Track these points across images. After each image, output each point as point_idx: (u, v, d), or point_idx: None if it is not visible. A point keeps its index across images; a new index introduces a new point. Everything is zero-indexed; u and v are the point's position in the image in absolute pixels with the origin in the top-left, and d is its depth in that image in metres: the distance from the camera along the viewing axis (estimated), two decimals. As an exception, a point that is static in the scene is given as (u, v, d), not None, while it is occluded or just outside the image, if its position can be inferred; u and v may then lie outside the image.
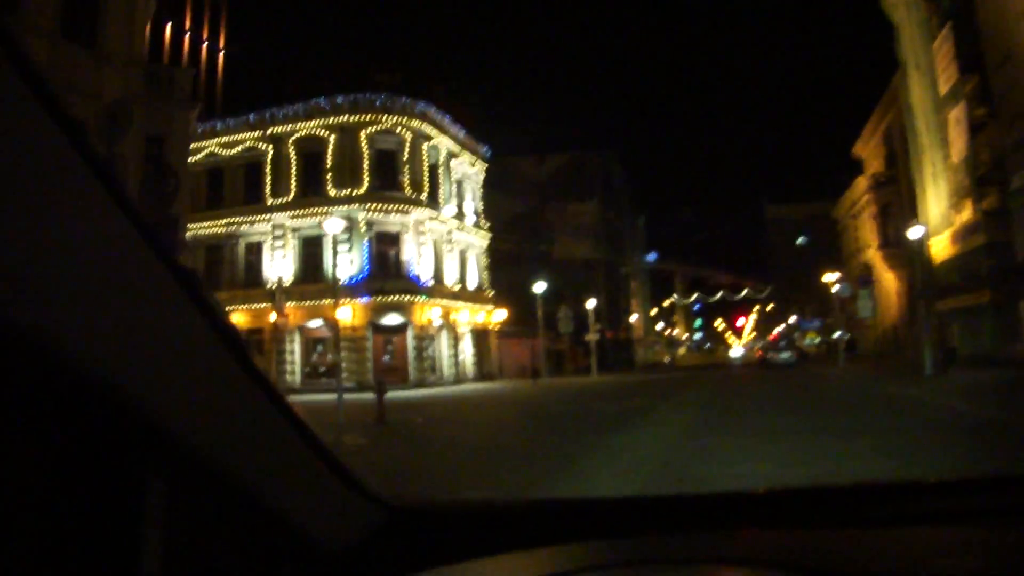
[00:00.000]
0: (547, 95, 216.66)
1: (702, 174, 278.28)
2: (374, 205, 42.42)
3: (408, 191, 43.17)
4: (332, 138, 43.25)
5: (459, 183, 50.03)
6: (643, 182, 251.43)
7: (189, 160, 47.16)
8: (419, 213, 43.40)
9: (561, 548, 1.42)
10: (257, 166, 45.48)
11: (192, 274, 0.95)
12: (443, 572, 1.32)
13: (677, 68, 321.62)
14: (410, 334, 42.43)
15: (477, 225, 51.83)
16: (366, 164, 42.80)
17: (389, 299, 41.53)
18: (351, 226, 42.37)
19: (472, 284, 50.53)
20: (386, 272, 42.56)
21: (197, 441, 0.99)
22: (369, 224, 42.41)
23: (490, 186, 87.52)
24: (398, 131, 43.49)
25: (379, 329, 42.15)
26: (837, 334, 61.14)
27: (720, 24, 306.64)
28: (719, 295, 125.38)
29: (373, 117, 43.11)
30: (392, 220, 42.88)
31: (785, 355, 59.80)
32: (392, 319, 42.09)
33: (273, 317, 41.86)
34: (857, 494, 1.70)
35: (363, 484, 1.39)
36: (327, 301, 41.21)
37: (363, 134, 42.92)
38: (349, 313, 41.18)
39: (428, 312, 42.88)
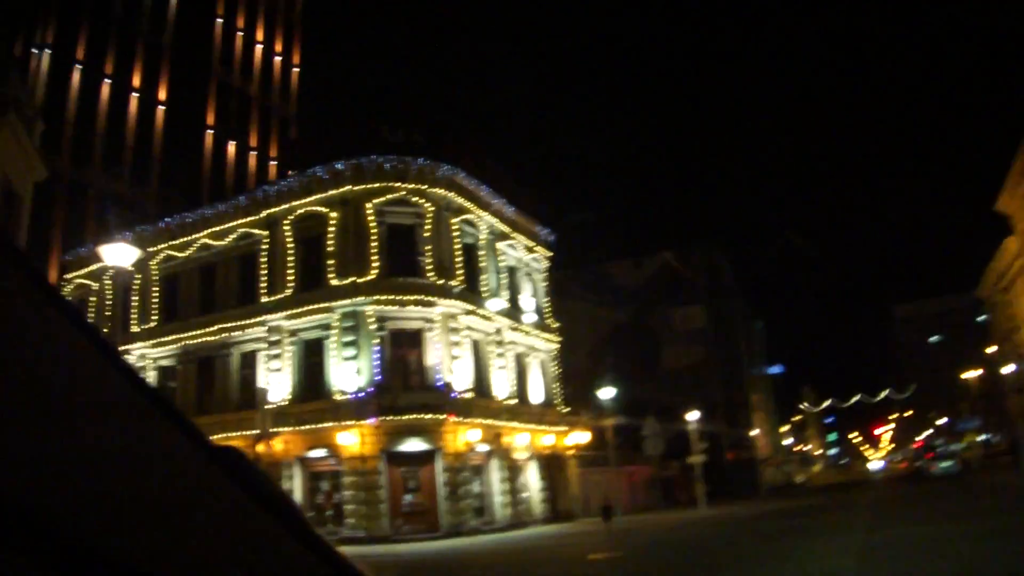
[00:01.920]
0: (633, 183, 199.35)
1: (820, 272, 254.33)
2: (385, 296, 31.78)
3: (432, 276, 32.49)
4: (333, 215, 33.18)
5: (511, 272, 39.07)
6: (756, 282, 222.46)
7: (180, 257, 40.50)
8: (449, 305, 32.50)
9: None
10: (251, 258, 35.73)
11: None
12: None
13: (786, 151, 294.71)
14: (440, 465, 30.82)
15: (541, 325, 40.38)
16: (374, 244, 32.45)
17: (405, 419, 30.26)
18: (356, 324, 31.78)
19: (537, 398, 38.79)
20: (404, 383, 31.47)
21: None
22: (380, 320, 31.60)
23: (581, 297, 76.79)
24: (415, 201, 33.18)
25: (396, 459, 30.68)
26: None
27: (826, 108, 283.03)
28: (855, 399, 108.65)
29: (381, 186, 32.93)
30: (410, 314, 31.98)
31: (946, 464, 50.06)
32: (413, 445, 30.65)
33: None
34: None
35: None
36: (329, 424, 30.48)
37: (369, 207, 32.68)
38: (355, 439, 30.14)
39: (465, 435, 31.34)
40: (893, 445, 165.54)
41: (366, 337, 31.36)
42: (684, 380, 73.82)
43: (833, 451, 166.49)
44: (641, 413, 44.95)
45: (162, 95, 60.95)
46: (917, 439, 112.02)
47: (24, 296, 0.86)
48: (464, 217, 35.10)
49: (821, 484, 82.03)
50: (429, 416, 30.27)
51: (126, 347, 38.77)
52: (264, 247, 35.14)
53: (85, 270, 42.56)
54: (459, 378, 32.03)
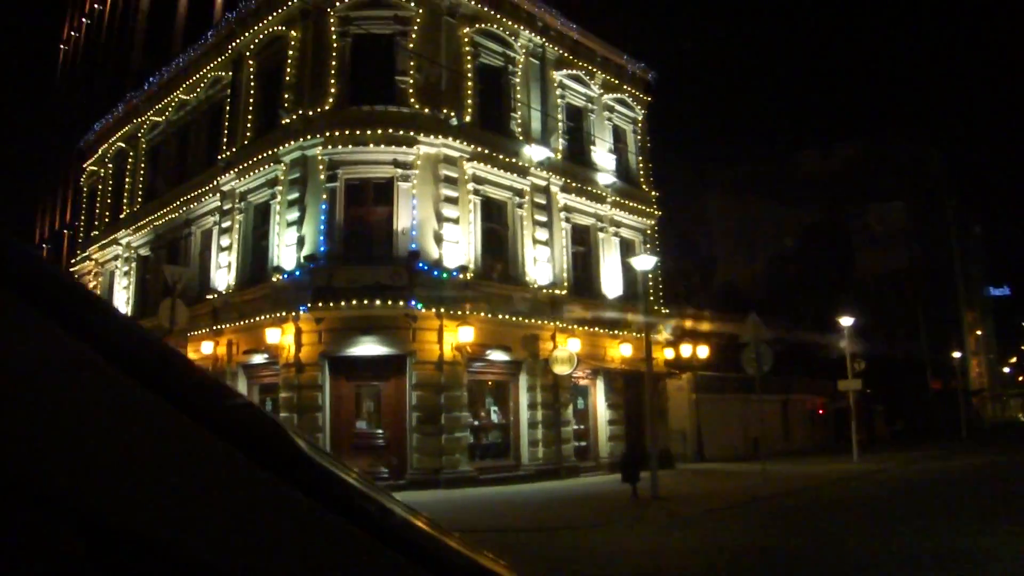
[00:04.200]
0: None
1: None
2: (340, 132, 20.91)
3: (414, 104, 21.23)
4: (294, 35, 22.42)
5: (578, 115, 26.72)
6: (976, 178, 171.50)
7: (161, 122, 28.65)
8: (440, 145, 21.14)
9: None
10: (219, 109, 25.91)
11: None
12: None
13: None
14: (411, 379, 19.93)
15: (627, 192, 27.87)
16: (334, 63, 21.51)
17: (355, 309, 19.49)
18: (304, 175, 21.16)
19: (614, 291, 26.59)
20: (363, 256, 20.59)
21: None
22: (332, 167, 20.79)
23: (765, 194, 62.29)
24: (395, 1, 21.81)
25: (345, 368, 19.96)
26: None
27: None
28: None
29: (346, -16, 21.69)
30: (378, 157, 20.84)
31: None
32: (370, 347, 19.82)
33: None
34: None
35: None
36: (264, 317, 20.37)
37: (331, 13, 21.70)
38: (288, 337, 19.81)
39: (457, 335, 20.21)
40: None
41: (314, 192, 20.69)
42: (881, 292, 58.78)
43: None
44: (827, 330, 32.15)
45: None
46: None
47: None
48: (481, 27, 23.27)
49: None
50: (389, 305, 19.27)
51: (114, 237, 30.78)
52: (228, 93, 25.29)
53: (94, 156, 35.01)
54: (454, 252, 20.72)
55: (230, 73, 25.18)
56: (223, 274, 23.36)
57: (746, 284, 51.42)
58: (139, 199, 30.12)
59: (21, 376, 0.62)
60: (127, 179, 31.29)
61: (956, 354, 46.90)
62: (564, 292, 23.67)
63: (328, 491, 0.76)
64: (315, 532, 0.73)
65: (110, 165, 33.05)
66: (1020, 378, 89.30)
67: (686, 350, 30.68)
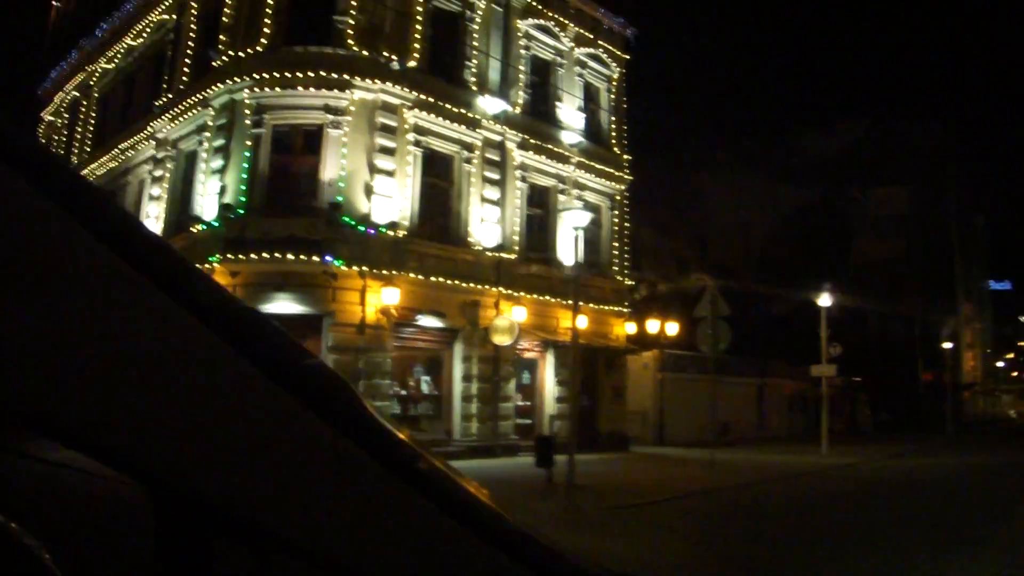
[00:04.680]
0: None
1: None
2: (270, 74, 19.13)
3: (352, 46, 19.44)
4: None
5: (544, 68, 24.79)
6: (982, 166, 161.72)
7: (111, 70, 27.03)
8: (377, 90, 19.26)
9: None
10: (161, 55, 24.22)
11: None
12: None
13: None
14: (326, 340, 18.34)
15: (595, 154, 26.00)
16: (271, 2, 19.72)
17: (267, 263, 17.87)
18: (231, 120, 19.46)
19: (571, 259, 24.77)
20: (284, 206, 18.92)
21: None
22: (259, 111, 19.09)
23: (764, 173, 60.01)
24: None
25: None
26: None
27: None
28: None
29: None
30: (310, 102, 19.18)
31: None
32: (285, 305, 18.21)
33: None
34: None
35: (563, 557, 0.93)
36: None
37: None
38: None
39: (381, 295, 18.58)
40: None
41: (240, 139, 18.98)
42: (876, 279, 57.08)
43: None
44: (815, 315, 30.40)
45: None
46: None
47: None
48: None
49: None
50: (304, 260, 17.61)
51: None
52: (171, 38, 23.56)
53: (50, 106, 33.34)
54: (386, 207, 19.03)
55: (174, 17, 23.48)
56: (152, 224, 21.72)
57: (738, 263, 49.62)
58: (87, 149, 28.53)
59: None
60: (78, 129, 29.65)
61: (947, 345, 44.93)
62: (513, 256, 21.97)
63: (390, 454, 0.76)
64: (383, 496, 0.74)
65: (65, 115, 31.51)
66: (1014, 374, 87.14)
67: (653, 326, 29.08)
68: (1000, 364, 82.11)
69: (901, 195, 62.72)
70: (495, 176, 21.92)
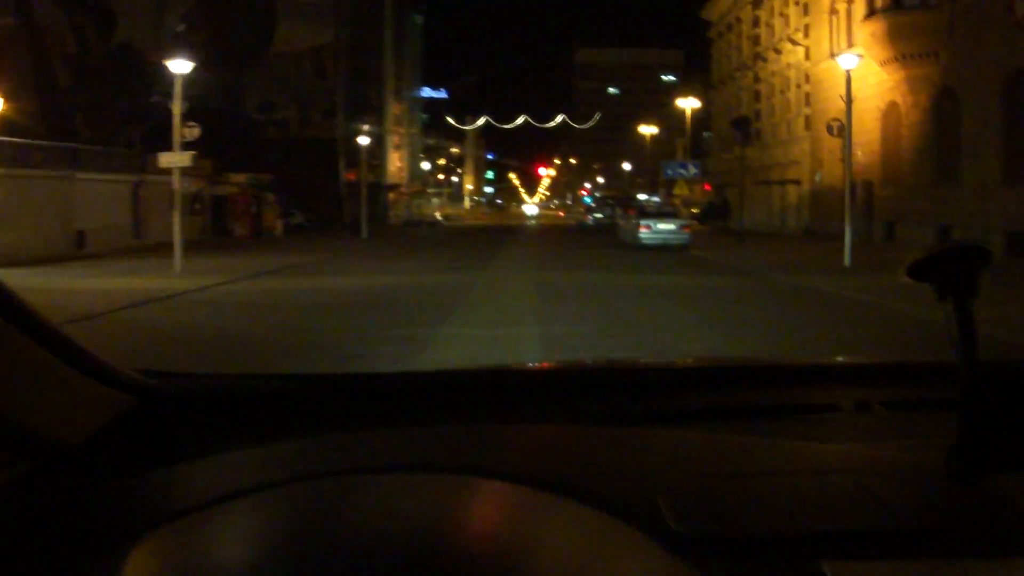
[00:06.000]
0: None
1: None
2: None
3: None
4: None
5: None
6: None
7: None
8: None
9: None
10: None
11: None
12: (195, 466, 1.01)
13: None
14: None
15: None
16: None
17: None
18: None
19: None
20: None
21: None
22: None
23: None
24: None
25: None
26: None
27: None
28: (520, 120, 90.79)
29: None
30: None
31: (598, 215, 45.50)
32: None
33: None
34: None
35: (105, 367, 1.03)
36: None
37: None
38: None
39: None
40: (549, 193, 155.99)
41: None
42: (300, 68, 49.89)
43: (490, 189, 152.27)
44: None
45: None
46: (588, 186, 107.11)
47: None
48: None
49: (464, 225, 63.19)
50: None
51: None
52: None
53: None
54: None
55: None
56: None
57: (155, 43, 37.82)
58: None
59: None
60: None
61: (362, 140, 39.43)
62: None
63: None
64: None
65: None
66: (440, 176, 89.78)
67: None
68: (426, 166, 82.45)
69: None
70: None
